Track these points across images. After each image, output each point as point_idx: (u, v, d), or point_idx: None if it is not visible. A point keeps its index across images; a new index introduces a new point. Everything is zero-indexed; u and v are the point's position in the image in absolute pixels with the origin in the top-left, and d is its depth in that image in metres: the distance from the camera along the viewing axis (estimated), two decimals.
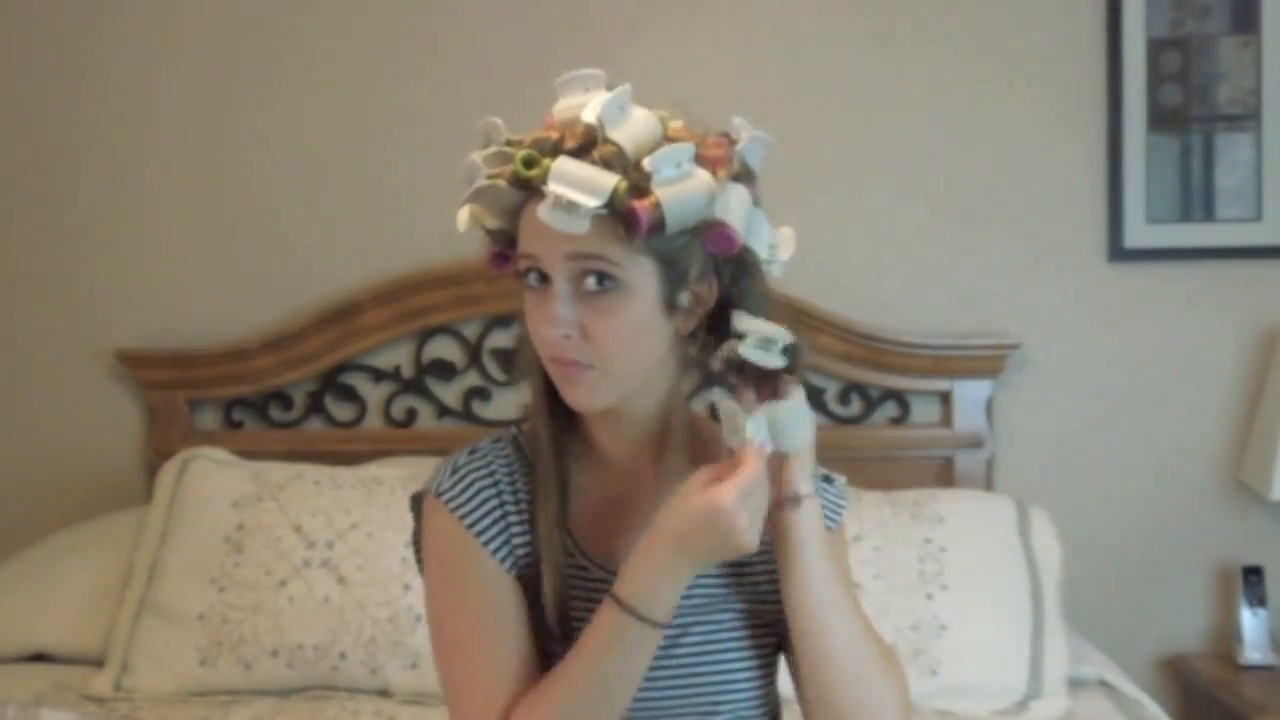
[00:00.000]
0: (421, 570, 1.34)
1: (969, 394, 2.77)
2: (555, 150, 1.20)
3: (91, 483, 2.88)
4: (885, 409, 2.81)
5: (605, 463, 1.32)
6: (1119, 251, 2.78)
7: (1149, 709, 2.30)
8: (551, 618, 1.26)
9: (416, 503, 1.35)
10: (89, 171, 2.92)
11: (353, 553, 2.37)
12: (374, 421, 2.87)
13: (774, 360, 1.24)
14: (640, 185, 1.17)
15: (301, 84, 2.89)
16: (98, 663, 2.40)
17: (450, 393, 2.86)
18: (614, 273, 1.19)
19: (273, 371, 2.85)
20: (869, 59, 2.82)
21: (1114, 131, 2.77)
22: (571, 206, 1.15)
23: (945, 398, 2.78)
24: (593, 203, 1.15)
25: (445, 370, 2.85)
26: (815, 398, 2.81)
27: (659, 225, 1.17)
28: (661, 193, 1.17)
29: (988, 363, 2.76)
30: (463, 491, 1.29)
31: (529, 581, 1.28)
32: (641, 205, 1.16)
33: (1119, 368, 2.80)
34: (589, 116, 1.19)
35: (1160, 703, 2.41)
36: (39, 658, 2.48)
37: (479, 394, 2.85)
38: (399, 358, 2.87)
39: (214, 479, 2.54)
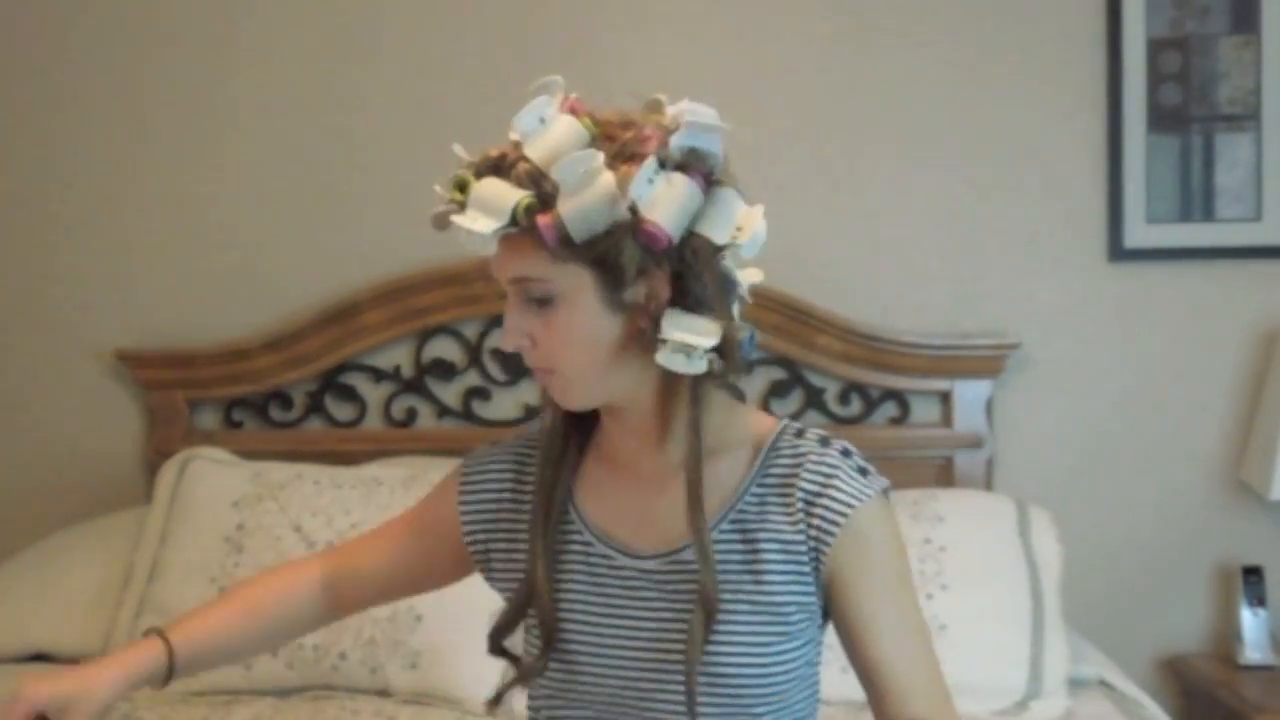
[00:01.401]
0: None
1: (969, 394, 2.77)
2: (480, 170, 1.24)
3: (91, 483, 2.88)
4: (885, 409, 2.81)
5: (613, 451, 1.36)
6: (1119, 251, 2.78)
7: (1149, 709, 2.30)
8: (540, 592, 1.32)
9: None
10: (89, 171, 2.92)
11: None
12: (374, 421, 2.87)
13: (694, 366, 1.24)
14: (549, 198, 1.20)
15: (301, 83, 2.89)
16: None
17: (450, 393, 2.86)
18: (545, 288, 1.23)
19: (273, 371, 2.84)
20: (869, 59, 2.82)
21: (1114, 131, 2.77)
22: (472, 231, 1.20)
23: (945, 398, 2.78)
24: (492, 225, 1.19)
25: (445, 370, 2.85)
26: (815, 398, 2.81)
27: (565, 237, 1.20)
28: (562, 205, 1.19)
29: (988, 363, 2.76)
30: (480, 462, 1.43)
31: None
32: (544, 220, 1.19)
33: (1119, 367, 2.80)
34: (513, 132, 1.23)
35: (1160, 703, 2.41)
36: (39, 658, 2.47)
37: (479, 394, 2.85)
38: (399, 358, 2.87)
39: (214, 479, 2.54)
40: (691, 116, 1.24)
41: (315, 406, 2.88)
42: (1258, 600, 2.67)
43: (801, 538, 1.29)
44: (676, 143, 1.24)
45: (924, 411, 2.81)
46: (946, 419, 2.78)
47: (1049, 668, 2.31)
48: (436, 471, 2.47)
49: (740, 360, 1.28)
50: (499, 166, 1.23)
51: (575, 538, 1.35)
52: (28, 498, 2.92)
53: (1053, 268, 2.80)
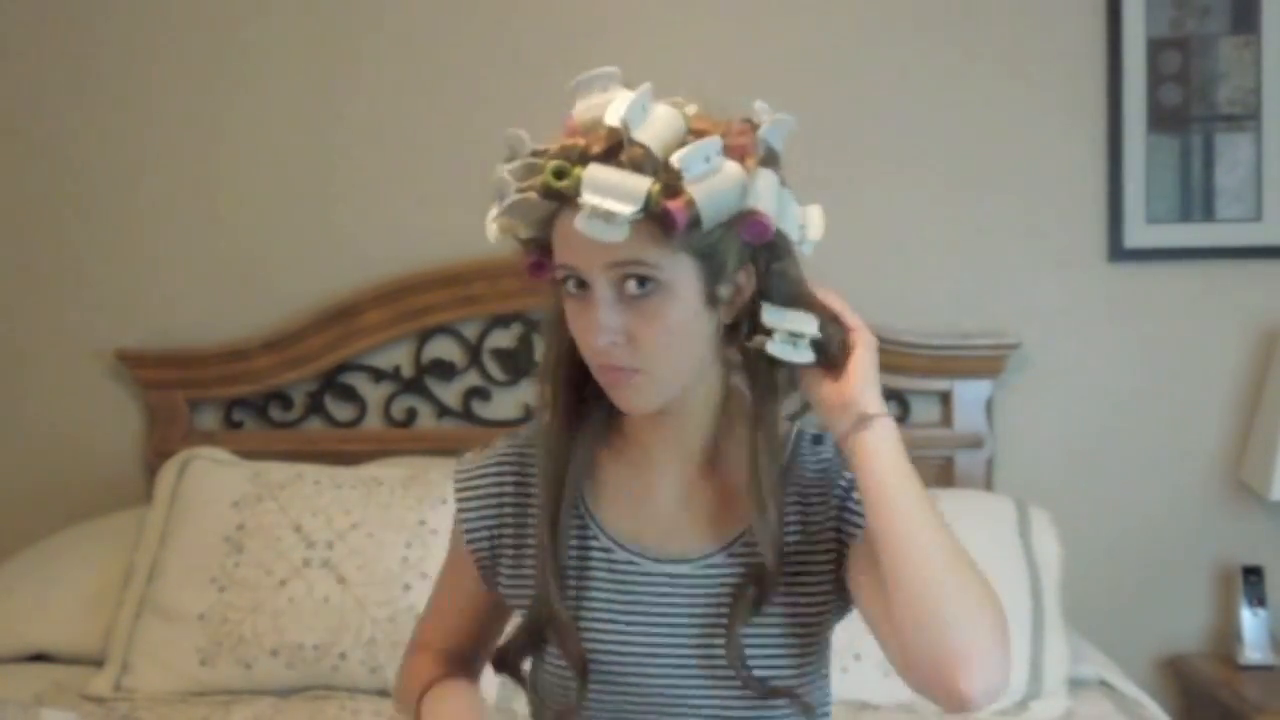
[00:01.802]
0: None
1: (969, 394, 2.77)
2: (583, 158, 1.18)
3: (91, 483, 2.88)
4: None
5: (644, 455, 1.32)
6: (1119, 251, 2.78)
7: (1149, 709, 2.30)
8: (545, 600, 1.29)
9: None
10: (88, 171, 2.92)
11: (353, 553, 2.37)
12: (374, 421, 2.87)
13: (803, 355, 1.23)
14: (672, 184, 1.16)
15: (301, 83, 2.89)
16: (98, 663, 2.40)
17: (450, 393, 2.86)
18: (654, 275, 1.18)
19: (273, 371, 2.85)
20: (868, 59, 2.82)
21: (1114, 131, 2.77)
22: (608, 215, 1.14)
23: (945, 398, 2.78)
24: (628, 209, 1.14)
25: (445, 370, 2.85)
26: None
27: (695, 223, 1.17)
28: (694, 190, 1.16)
29: (988, 363, 2.76)
30: (472, 472, 1.39)
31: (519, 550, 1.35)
32: (675, 205, 1.15)
33: (1119, 368, 2.80)
34: (612, 119, 1.17)
35: (1160, 703, 2.41)
36: (39, 658, 2.48)
37: (479, 394, 2.85)
38: (399, 358, 2.87)
39: (214, 479, 2.54)
40: (769, 114, 1.25)
41: (315, 406, 2.88)
42: (1258, 600, 2.67)
43: (828, 544, 1.32)
44: (763, 138, 1.24)
45: (924, 411, 2.81)
46: (946, 419, 2.78)
47: (1049, 668, 2.31)
48: (436, 471, 2.50)
49: (836, 348, 1.25)
50: (608, 153, 1.18)
51: (593, 544, 1.32)
52: (28, 498, 2.92)
53: (1053, 268, 2.80)
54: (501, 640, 1.41)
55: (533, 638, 1.32)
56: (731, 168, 1.18)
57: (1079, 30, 2.78)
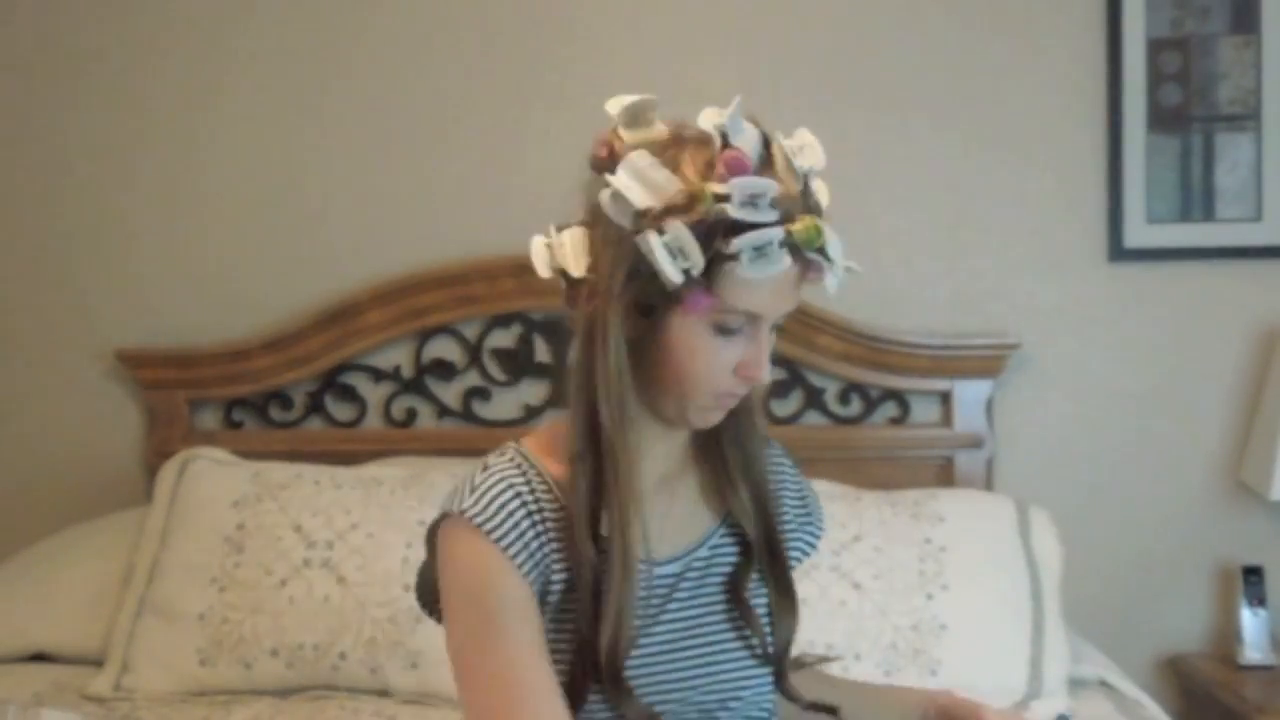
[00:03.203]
0: (435, 603, 1.33)
1: (969, 394, 2.77)
2: (801, 208, 1.24)
3: (91, 483, 2.88)
4: (885, 409, 2.81)
5: (637, 467, 1.31)
6: (1119, 251, 2.78)
7: (1149, 709, 2.30)
8: (619, 633, 1.24)
9: (433, 534, 1.32)
10: (88, 171, 2.92)
11: (353, 553, 2.37)
12: (374, 421, 2.87)
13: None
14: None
15: (300, 83, 2.89)
16: (98, 663, 2.40)
17: (450, 393, 2.86)
18: None
19: (273, 371, 2.84)
20: (868, 59, 2.82)
21: (1114, 131, 2.77)
22: (850, 272, 1.30)
23: (945, 398, 2.78)
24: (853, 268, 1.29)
25: (445, 370, 2.85)
26: (815, 398, 2.81)
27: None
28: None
29: (988, 363, 2.76)
30: (491, 508, 1.27)
31: (567, 592, 1.27)
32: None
33: (1119, 368, 2.80)
34: (798, 165, 1.24)
35: (1160, 703, 2.41)
36: (39, 658, 2.48)
37: (479, 394, 2.85)
38: (399, 358, 2.87)
39: (214, 479, 2.54)
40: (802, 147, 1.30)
41: (315, 406, 2.88)
42: (1258, 600, 2.66)
43: (793, 538, 1.44)
44: None
45: (924, 411, 2.81)
46: (946, 419, 2.78)
47: (1049, 668, 2.31)
48: (436, 471, 2.50)
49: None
50: (806, 203, 1.25)
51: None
52: (28, 498, 2.92)
53: (1053, 268, 2.80)
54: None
55: (589, 669, 1.26)
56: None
57: (1079, 31, 2.78)
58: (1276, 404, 2.66)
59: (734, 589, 1.35)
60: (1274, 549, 2.77)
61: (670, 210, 1.21)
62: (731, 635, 1.34)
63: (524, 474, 1.30)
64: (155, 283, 2.92)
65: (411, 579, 2.29)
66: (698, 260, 1.20)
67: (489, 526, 1.25)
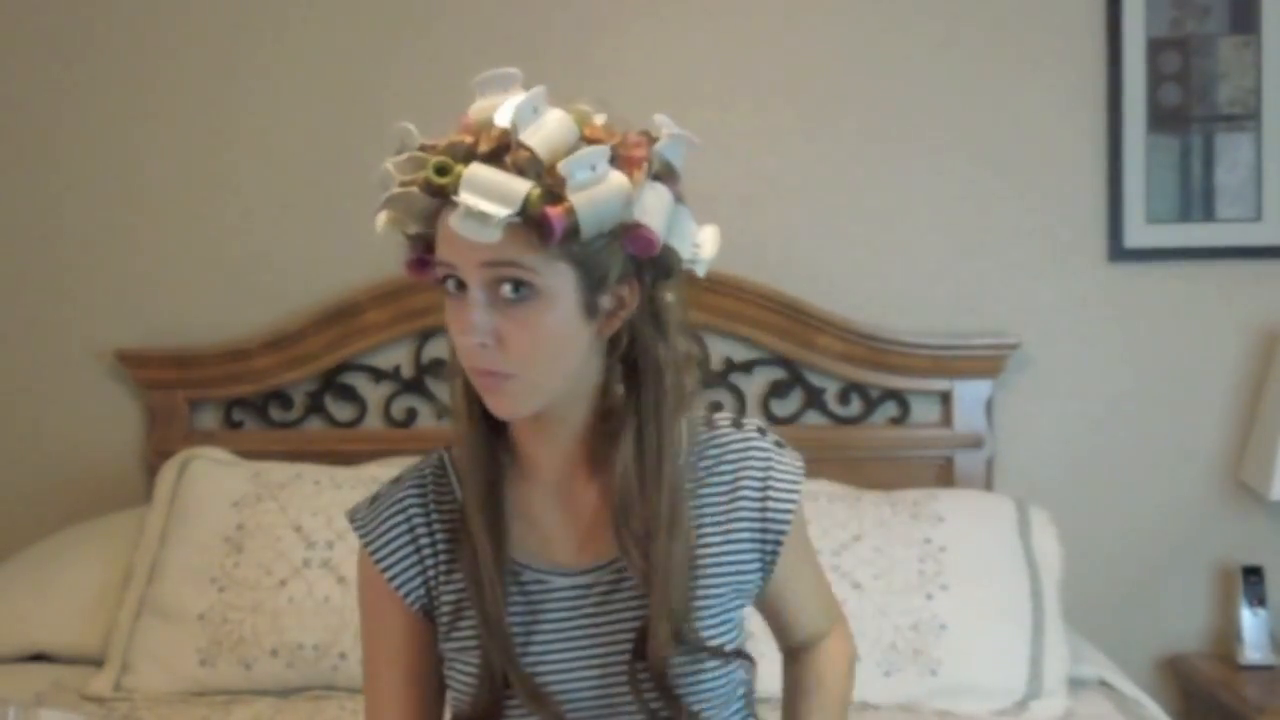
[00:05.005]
0: None
1: (969, 394, 2.77)
2: (469, 156, 1.17)
3: (91, 483, 2.88)
4: (885, 409, 2.81)
5: (532, 466, 1.31)
6: (1119, 251, 2.78)
7: (1149, 709, 2.30)
8: (495, 635, 1.25)
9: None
10: (88, 171, 2.92)
11: (352, 553, 2.35)
12: (374, 421, 2.87)
13: None
14: (554, 190, 1.15)
15: (299, 83, 2.89)
16: (98, 663, 2.40)
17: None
18: (530, 280, 1.17)
19: (273, 371, 2.85)
20: (868, 60, 2.82)
21: (1114, 131, 2.77)
22: (483, 216, 1.13)
23: (945, 398, 2.78)
24: (503, 212, 1.13)
25: (445, 370, 2.85)
26: (815, 398, 2.81)
27: (573, 231, 1.16)
28: (575, 198, 1.15)
29: (988, 363, 2.76)
30: (374, 523, 1.35)
31: (456, 599, 1.29)
32: (555, 212, 1.14)
33: (1119, 368, 2.80)
34: (502, 120, 1.17)
35: (1160, 703, 2.41)
36: (39, 658, 2.48)
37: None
38: (399, 358, 2.87)
39: (214, 479, 2.54)
40: (669, 129, 1.24)
41: (315, 406, 2.88)
42: (1258, 600, 2.67)
43: (750, 526, 1.32)
44: (659, 153, 1.23)
45: (924, 411, 2.81)
46: (946, 419, 2.78)
47: (1049, 668, 2.31)
48: None
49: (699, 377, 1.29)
50: (494, 154, 1.16)
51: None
52: (28, 498, 2.92)
53: (1053, 268, 2.80)
54: (462, 706, 1.31)
55: (497, 687, 1.26)
56: (616, 178, 1.17)
57: (1079, 31, 2.78)
58: (1276, 404, 2.66)
59: (638, 640, 1.26)
60: (1274, 549, 2.77)
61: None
62: (625, 684, 1.27)
63: (424, 490, 1.33)
64: (155, 283, 2.92)
65: None
66: (407, 222, 1.23)
67: (370, 543, 1.35)
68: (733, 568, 1.32)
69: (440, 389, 2.86)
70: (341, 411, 2.88)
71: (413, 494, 1.33)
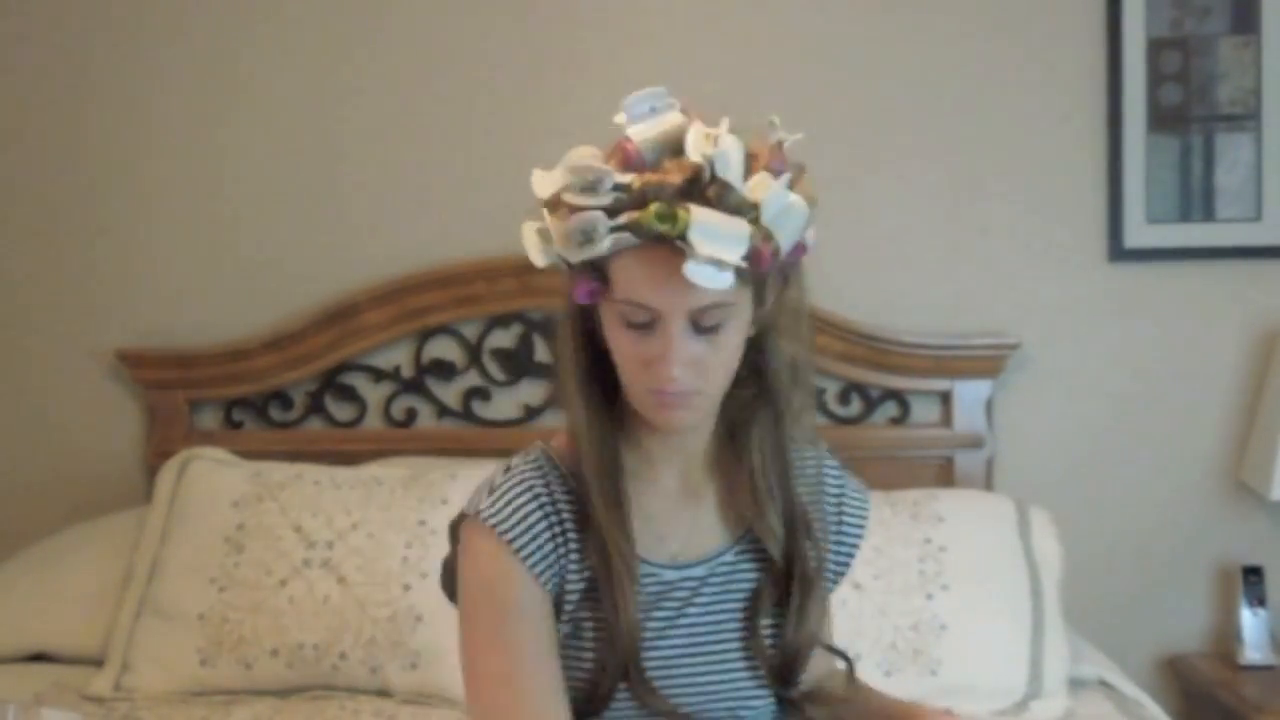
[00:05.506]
0: (455, 598, 1.34)
1: (969, 394, 2.77)
2: (677, 194, 1.16)
3: (91, 483, 2.88)
4: (885, 409, 2.81)
5: (653, 466, 1.33)
6: (1119, 251, 2.78)
7: (1149, 709, 2.30)
8: (624, 628, 1.26)
9: (455, 529, 1.34)
10: (88, 171, 2.92)
11: (353, 553, 2.37)
12: (374, 421, 2.87)
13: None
14: (758, 223, 1.18)
15: (299, 83, 2.89)
16: (98, 663, 2.40)
17: (450, 393, 2.86)
18: (729, 312, 1.21)
19: (273, 371, 2.84)
20: (868, 60, 2.82)
21: (1114, 131, 2.77)
22: (720, 263, 1.15)
23: (945, 398, 2.78)
24: (737, 256, 1.15)
25: (445, 370, 2.85)
26: (815, 397, 2.80)
27: (776, 260, 1.20)
28: (775, 228, 1.18)
29: (988, 363, 2.76)
30: (507, 511, 1.27)
31: (581, 590, 1.29)
32: (767, 249, 1.18)
33: (1119, 368, 2.80)
34: (696, 155, 1.17)
35: (1160, 703, 2.41)
36: (39, 658, 2.48)
37: (479, 394, 2.85)
38: (399, 358, 2.87)
39: (214, 479, 2.54)
40: (783, 133, 1.26)
41: (315, 406, 2.88)
42: (1258, 600, 2.67)
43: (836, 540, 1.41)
44: (798, 164, 1.27)
45: (924, 411, 2.81)
46: (946, 419, 2.78)
47: (1049, 668, 2.31)
48: (437, 471, 2.50)
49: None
50: (693, 191, 1.17)
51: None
52: (28, 498, 2.92)
53: (1053, 268, 2.80)
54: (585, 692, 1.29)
55: (614, 680, 1.27)
56: (800, 203, 1.21)
57: (1079, 30, 2.78)
58: (1276, 404, 2.66)
59: (751, 607, 1.33)
60: (1274, 549, 2.77)
61: (550, 200, 1.22)
62: (739, 652, 1.32)
63: (544, 476, 1.30)
64: (155, 283, 2.92)
65: (411, 579, 2.32)
66: (567, 247, 1.19)
67: (504, 529, 1.26)
68: (830, 574, 1.40)
69: (440, 389, 2.86)
70: (341, 411, 2.88)
71: (537, 481, 1.29)
